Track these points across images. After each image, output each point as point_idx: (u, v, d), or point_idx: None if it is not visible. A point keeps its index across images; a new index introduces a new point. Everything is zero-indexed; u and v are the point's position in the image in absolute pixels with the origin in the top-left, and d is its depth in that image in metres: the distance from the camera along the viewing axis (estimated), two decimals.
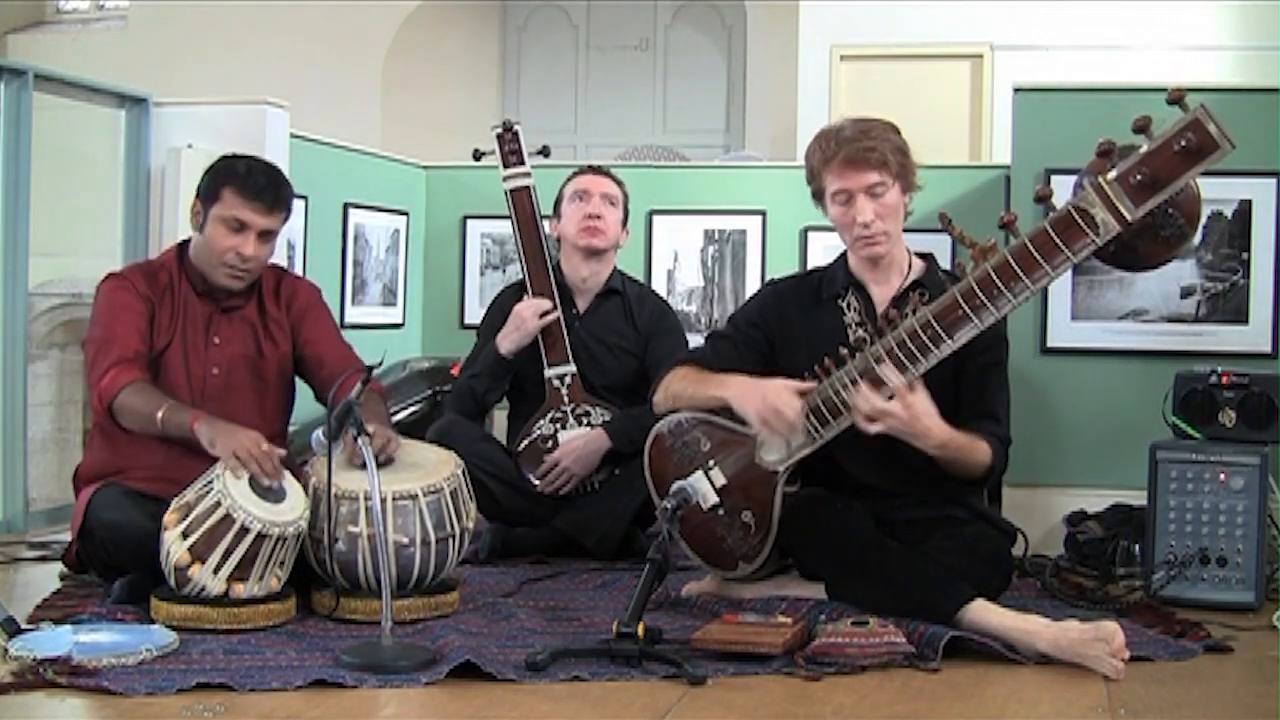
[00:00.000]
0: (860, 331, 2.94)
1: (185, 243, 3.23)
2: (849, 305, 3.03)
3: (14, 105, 3.92)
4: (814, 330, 3.03)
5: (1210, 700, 2.45)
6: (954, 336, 2.73)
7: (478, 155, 4.07)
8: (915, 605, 2.70)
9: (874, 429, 2.74)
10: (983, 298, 2.70)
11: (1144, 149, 2.58)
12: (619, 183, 3.94)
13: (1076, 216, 2.63)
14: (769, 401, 2.83)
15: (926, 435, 2.74)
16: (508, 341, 3.78)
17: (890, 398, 2.73)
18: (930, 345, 2.74)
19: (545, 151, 4.07)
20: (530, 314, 3.77)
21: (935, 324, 2.74)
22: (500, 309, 3.88)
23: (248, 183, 3.09)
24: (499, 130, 3.96)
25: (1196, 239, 3.74)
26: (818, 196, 3.02)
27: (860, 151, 2.89)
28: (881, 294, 3.01)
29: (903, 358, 2.75)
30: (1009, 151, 4.13)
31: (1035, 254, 2.66)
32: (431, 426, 3.80)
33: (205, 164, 3.25)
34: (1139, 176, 2.58)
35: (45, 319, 7.42)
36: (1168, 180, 2.57)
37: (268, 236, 3.13)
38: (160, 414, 2.93)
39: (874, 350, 2.78)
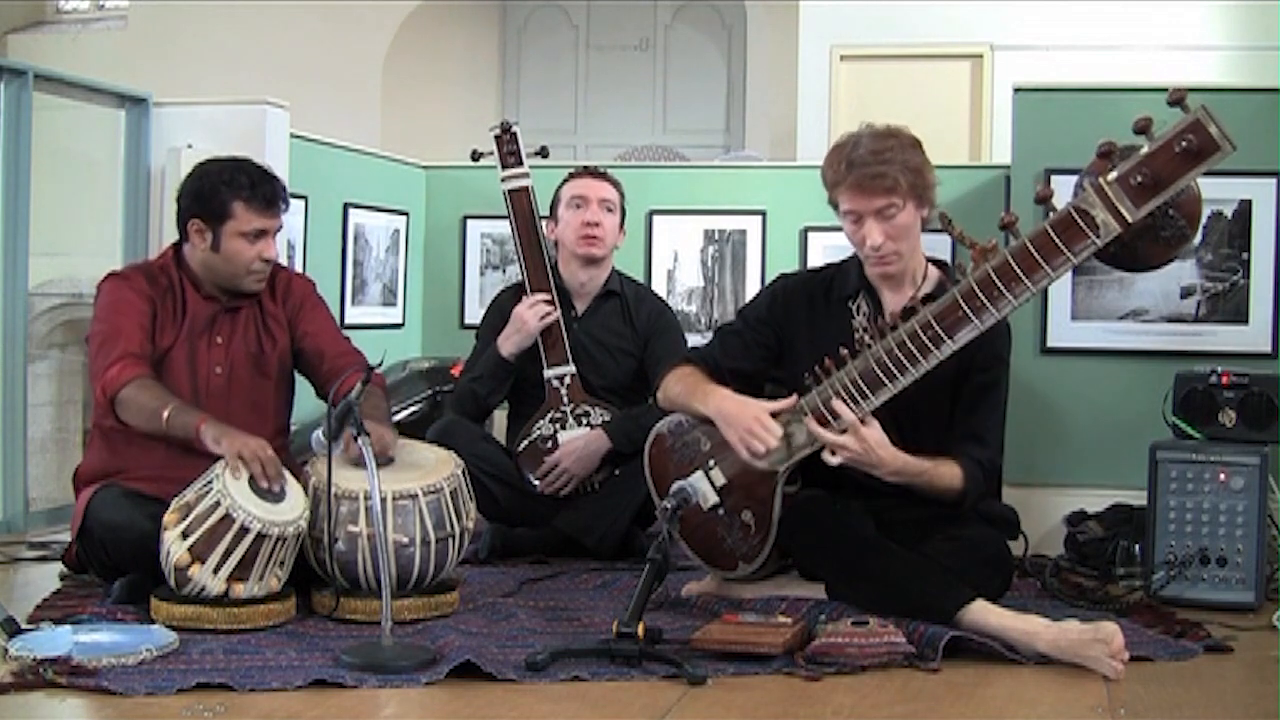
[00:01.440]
0: (862, 337, 2.93)
1: (179, 245, 3.24)
2: (859, 309, 3.02)
3: (14, 105, 3.92)
4: (821, 330, 3.02)
5: (1210, 700, 2.45)
6: (954, 337, 2.73)
7: (476, 156, 4.06)
8: (915, 605, 2.70)
9: (834, 460, 2.79)
10: (983, 298, 2.70)
11: (1145, 150, 2.58)
12: (616, 184, 3.94)
13: (1077, 217, 2.63)
14: (752, 432, 2.85)
15: (880, 464, 2.77)
16: (509, 344, 3.78)
17: (843, 431, 2.77)
18: (931, 346, 2.74)
19: (544, 152, 4.07)
20: (531, 316, 3.77)
21: (935, 325, 2.73)
22: (500, 310, 3.88)
23: (257, 194, 3.12)
24: (497, 132, 3.96)
25: (1197, 239, 3.74)
26: (833, 206, 2.99)
27: (868, 178, 2.84)
28: (894, 301, 2.97)
29: (903, 359, 2.75)
30: (1009, 151, 4.12)
31: (1036, 255, 2.66)
32: (431, 426, 3.79)
33: None
34: (1140, 178, 2.57)
35: (45, 319, 7.41)
36: (1169, 181, 2.56)
37: (278, 232, 3.19)
38: (166, 412, 2.93)
39: (874, 351, 2.78)
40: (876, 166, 2.84)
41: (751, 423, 2.86)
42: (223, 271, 3.16)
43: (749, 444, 2.86)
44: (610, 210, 3.88)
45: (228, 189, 3.11)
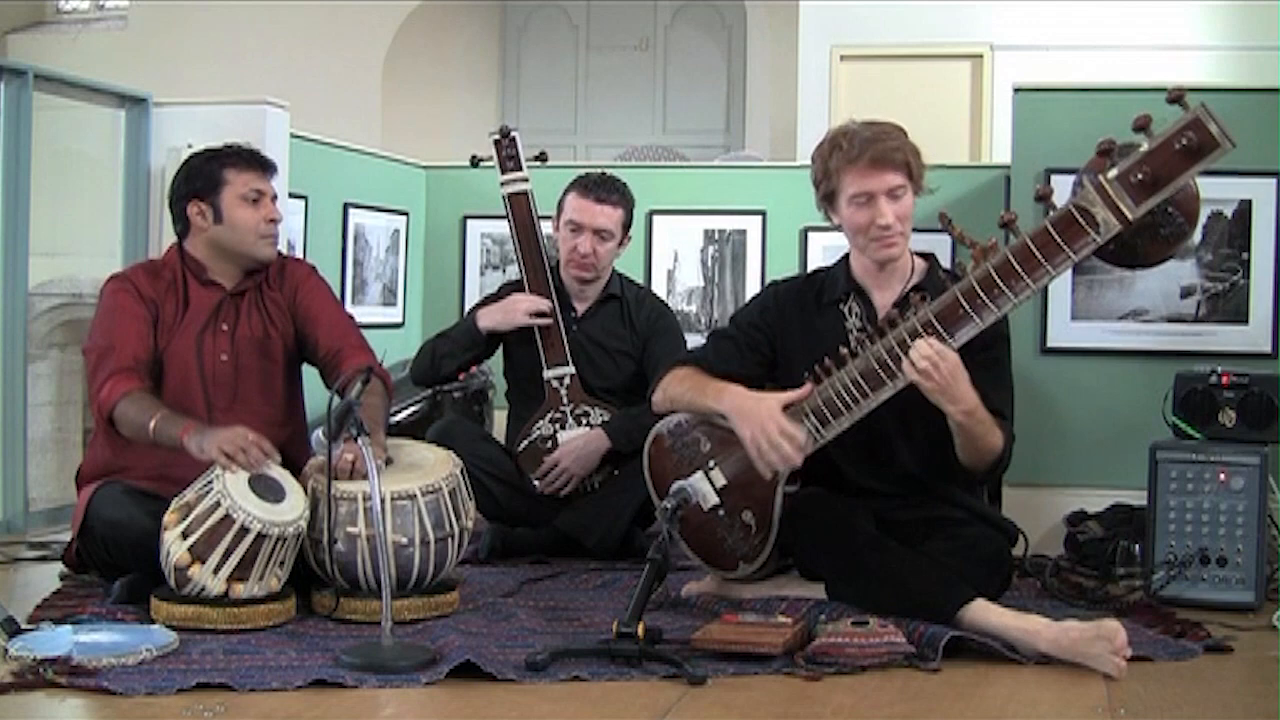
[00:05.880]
0: (862, 336, 2.93)
1: (179, 244, 3.26)
2: (850, 310, 3.02)
3: (14, 105, 3.92)
4: (814, 334, 3.02)
5: (1210, 700, 2.45)
6: (955, 335, 2.73)
7: (475, 162, 4.05)
8: (915, 605, 2.70)
9: (919, 378, 2.71)
10: (984, 297, 2.70)
11: (1144, 148, 2.58)
12: (620, 200, 3.85)
13: (1077, 215, 2.63)
14: (770, 435, 2.81)
15: (961, 399, 2.73)
16: (488, 318, 3.78)
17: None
18: None
19: (542, 157, 4.05)
20: (526, 304, 3.77)
21: (936, 323, 2.73)
22: (496, 297, 3.89)
23: (243, 157, 3.22)
24: (496, 137, 3.95)
25: (1196, 238, 3.74)
26: (828, 199, 2.98)
27: (886, 152, 2.86)
28: (883, 299, 2.99)
29: (905, 358, 2.75)
30: (1009, 151, 4.12)
31: (1036, 253, 2.66)
32: (431, 426, 3.80)
33: None
34: (1140, 175, 2.58)
35: (45, 319, 7.40)
36: (1168, 179, 2.57)
37: (274, 199, 3.25)
38: (152, 424, 2.94)
39: (874, 350, 2.78)
40: (891, 142, 2.88)
41: (770, 425, 2.81)
42: (232, 243, 3.19)
43: (774, 445, 2.81)
44: (605, 239, 3.82)
45: (215, 161, 3.21)
